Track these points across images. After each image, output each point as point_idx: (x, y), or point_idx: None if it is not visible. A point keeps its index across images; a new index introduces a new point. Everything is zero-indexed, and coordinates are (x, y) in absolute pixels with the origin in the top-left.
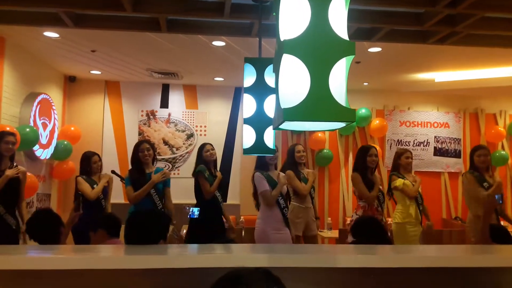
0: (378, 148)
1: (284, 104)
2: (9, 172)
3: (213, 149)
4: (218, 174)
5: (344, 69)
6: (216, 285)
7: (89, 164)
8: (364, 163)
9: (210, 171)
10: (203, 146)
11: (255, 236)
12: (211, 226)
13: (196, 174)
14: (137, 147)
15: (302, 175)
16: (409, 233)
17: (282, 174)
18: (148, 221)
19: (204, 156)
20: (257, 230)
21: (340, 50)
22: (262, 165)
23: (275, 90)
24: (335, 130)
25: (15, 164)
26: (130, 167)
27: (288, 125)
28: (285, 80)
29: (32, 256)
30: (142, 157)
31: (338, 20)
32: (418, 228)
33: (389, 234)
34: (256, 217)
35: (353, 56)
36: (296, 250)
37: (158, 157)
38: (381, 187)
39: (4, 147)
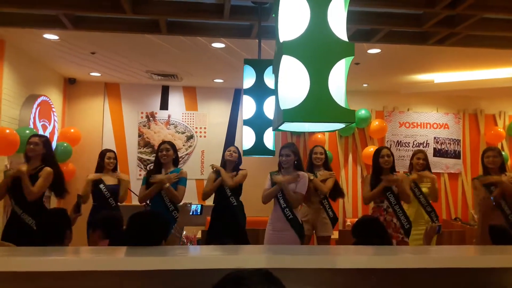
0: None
1: (284, 105)
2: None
3: (235, 151)
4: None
5: (344, 70)
6: (217, 286)
7: (103, 159)
8: (377, 164)
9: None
10: (229, 147)
11: None
12: (221, 225)
13: None
14: (158, 147)
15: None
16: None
17: (298, 174)
18: (148, 222)
19: (225, 155)
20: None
21: (339, 51)
22: (278, 166)
23: (274, 92)
24: (334, 131)
25: (43, 165)
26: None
27: (288, 126)
28: (284, 82)
29: (30, 258)
30: (161, 156)
31: (338, 22)
32: (420, 228)
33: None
34: (257, 218)
35: (353, 57)
36: (296, 251)
37: None
38: (395, 187)
39: (26, 148)
